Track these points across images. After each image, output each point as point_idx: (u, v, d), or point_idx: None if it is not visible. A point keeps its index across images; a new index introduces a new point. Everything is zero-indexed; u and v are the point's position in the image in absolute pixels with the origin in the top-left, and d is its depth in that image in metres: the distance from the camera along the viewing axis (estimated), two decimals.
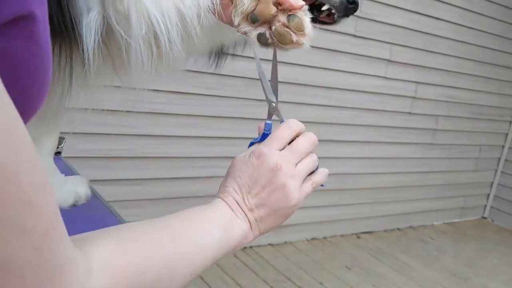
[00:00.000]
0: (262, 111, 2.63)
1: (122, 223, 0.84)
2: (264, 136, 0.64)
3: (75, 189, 0.84)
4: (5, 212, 0.28)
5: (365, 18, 2.74)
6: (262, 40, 0.64)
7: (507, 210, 3.95)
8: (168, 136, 2.25)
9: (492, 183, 4.05)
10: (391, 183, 3.29)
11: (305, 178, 0.63)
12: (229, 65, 1.99)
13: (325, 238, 3.04)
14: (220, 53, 0.78)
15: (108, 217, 0.86)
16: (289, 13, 0.62)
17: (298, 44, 0.64)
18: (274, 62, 0.67)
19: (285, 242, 2.86)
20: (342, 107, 2.84)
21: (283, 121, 0.67)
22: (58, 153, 1.07)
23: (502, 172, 4.01)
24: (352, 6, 0.85)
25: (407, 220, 3.52)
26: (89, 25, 0.56)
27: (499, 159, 4.00)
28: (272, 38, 0.63)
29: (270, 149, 0.61)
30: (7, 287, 0.30)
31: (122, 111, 2.07)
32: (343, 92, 2.81)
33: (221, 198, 0.60)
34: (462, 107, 3.51)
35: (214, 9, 0.63)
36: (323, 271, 2.61)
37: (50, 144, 0.80)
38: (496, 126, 3.86)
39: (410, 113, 3.21)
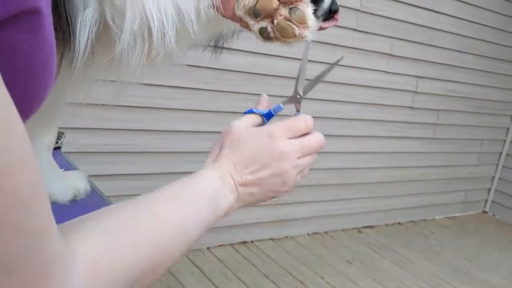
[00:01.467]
0: None
1: None
2: (269, 115, 0.65)
3: (74, 184, 0.84)
4: None
5: (366, 12, 2.73)
6: (264, 34, 0.63)
7: (508, 205, 3.94)
8: (168, 131, 2.25)
9: (493, 177, 4.04)
10: (392, 178, 3.29)
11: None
12: (228, 59, 2.00)
13: (326, 232, 3.05)
14: (216, 46, 0.78)
15: None
16: (291, 6, 0.62)
17: (301, 37, 0.64)
18: (305, 59, 0.67)
19: (286, 237, 2.86)
20: (343, 101, 2.83)
21: (298, 113, 0.67)
22: (57, 148, 1.07)
23: (503, 166, 4.00)
24: (332, 15, 0.85)
25: (408, 215, 3.52)
26: (84, 22, 0.56)
27: (501, 153, 4.00)
28: (274, 32, 0.63)
29: (283, 134, 0.61)
30: None
31: (122, 106, 2.07)
32: (344, 87, 2.80)
33: (214, 169, 0.59)
34: (463, 101, 3.50)
35: (214, 3, 0.62)
36: (324, 265, 2.62)
37: (49, 139, 0.80)
38: (497, 120, 3.85)
39: (411, 107, 3.20)
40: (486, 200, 4.09)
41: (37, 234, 0.31)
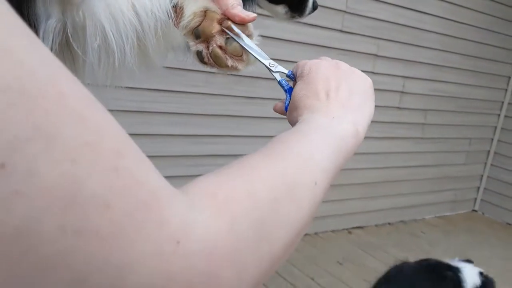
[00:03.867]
0: (250, 109, 2.63)
1: None
2: (290, 90, 0.62)
3: None
4: (54, 126, 0.24)
5: (351, 13, 2.75)
6: (199, 58, 0.62)
7: (497, 203, 3.97)
8: (155, 135, 2.24)
9: (482, 176, 4.07)
10: (381, 178, 3.30)
11: None
12: None
13: (316, 233, 3.05)
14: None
15: None
16: (228, 36, 0.60)
17: (233, 69, 0.62)
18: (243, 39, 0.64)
19: None
20: None
21: (290, 72, 0.65)
22: None
23: (491, 165, 4.03)
24: (313, 11, 0.85)
25: (398, 215, 3.53)
26: (47, 32, 0.56)
27: (489, 151, 4.03)
28: (208, 58, 0.61)
29: (318, 60, 0.62)
30: (92, 221, 0.25)
31: (109, 110, 2.05)
32: None
33: (307, 117, 0.54)
34: (450, 101, 3.52)
35: (169, 18, 0.62)
36: (315, 266, 2.62)
37: None
38: (485, 119, 3.88)
39: (398, 107, 3.22)
40: (476, 199, 4.12)
41: (122, 155, 0.28)
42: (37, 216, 0.23)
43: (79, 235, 0.24)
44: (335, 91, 0.57)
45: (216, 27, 0.59)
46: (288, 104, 0.61)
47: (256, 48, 0.64)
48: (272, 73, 0.65)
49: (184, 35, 0.61)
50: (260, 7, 1.06)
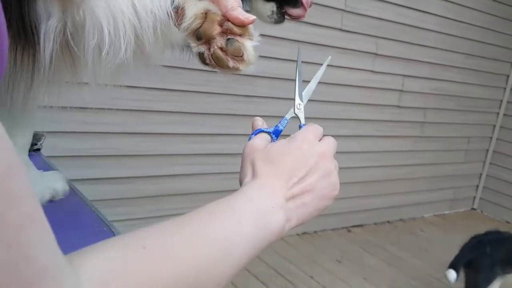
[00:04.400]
0: (248, 107, 2.64)
1: (101, 218, 0.83)
2: (277, 131, 0.63)
3: (51, 184, 0.83)
4: None
5: (351, 12, 2.75)
6: (201, 59, 0.62)
7: (496, 201, 3.98)
8: (154, 134, 2.24)
9: (481, 174, 4.08)
10: (380, 177, 3.30)
11: None
12: None
13: (315, 232, 3.05)
14: (188, 48, 0.78)
15: (87, 213, 0.85)
16: (229, 37, 0.60)
17: (235, 70, 0.62)
18: (299, 67, 0.65)
19: None
20: (329, 101, 2.84)
21: (304, 125, 0.66)
22: (37, 150, 1.06)
23: (490, 163, 4.04)
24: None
25: (397, 213, 3.54)
26: (48, 32, 0.56)
27: (487, 150, 4.03)
28: (210, 59, 0.61)
29: (314, 138, 0.60)
30: None
31: (107, 109, 2.06)
32: (330, 87, 2.81)
33: (257, 187, 0.53)
34: (449, 99, 3.53)
35: (169, 18, 0.62)
36: (314, 265, 2.62)
37: (23, 140, 0.80)
38: (483, 118, 3.88)
39: (398, 106, 3.22)
40: (474, 197, 4.12)
41: (23, 230, 0.27)
42: None
43: None
44: (298, 180, 0.55)
45: (217, 29, 0.60)
46: (262, 130, 0.63)
47: (299, 82, 0.67)
48: (293, 111, 0.68)
49: (186, 36, 0.62)
50: (250, 9, 1.05)
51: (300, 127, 0.65)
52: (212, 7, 0.61)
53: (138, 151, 2.21)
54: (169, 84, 2.20)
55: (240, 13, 0.60)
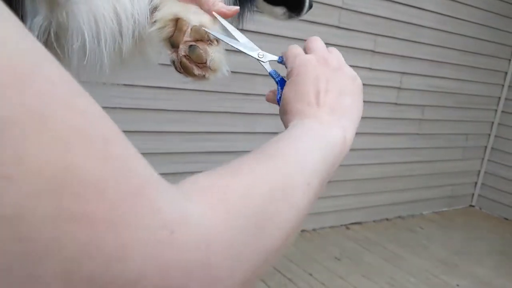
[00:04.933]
0: (246, 105, 2.64)
1: None
2: (282, 81, 0.61)
3: None
4: (46, 108, 0.24)
5: (348, 9, 2.74)
6: (174, 67, 0.62)
7: (495, 198, 3.98)
8: (152, 132, 2.24)
9: (479, 171, 4.08)
10: (378, 174, 3.31)
11: None
12: None
13: (314, 230, 3.05)
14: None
15: None
16: (191, 44, 0.59)
17: (201, 77, 0.61)
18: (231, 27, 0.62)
19: None
20: None
21: (280, 57, 0.63)
22: None
23: (488, 160, 4.04)
24: (309, 9, 0.86)
25: (396, 210, 3.54)
26: (33, 29, 0.56)
27: (486, 147, 4.04)
28: (179, 67, 0.61)
29: (306, 55, 0.60)
30: (85, 207, 0.24)
31: (104, 107, 2.04)
32: None
33: (298, 120, 0.55)
34: (447, 96, 3.53)
35: (146, 23, 0.62)
36: (313, 262, 2.62)
37: None
38: (482, 115, 3.89)
39: (396, 103, 3.22)
40: (473, 194, 4.13)
41: (110, 141, 0.28)
42: (28, 203, 0.22)
43: (73, 221, 0.24)
44: (324, 94, 0.56)
45: (184, 37, 0.59)
46: (280, 97, 0.60)
47: (244, 39, 0.63)
48: (262, 63, 0.63)
49: (161, 43, 0.61)
50: (258, 10, 1.06)
51: (278, 61, 0.63)
52: (185, 11, 0.60)
53: (138, 150, 2.20)
54: (166, 82, 2.20)
55: (222, 7, 0.61)
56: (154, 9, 0.61)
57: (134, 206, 0.27)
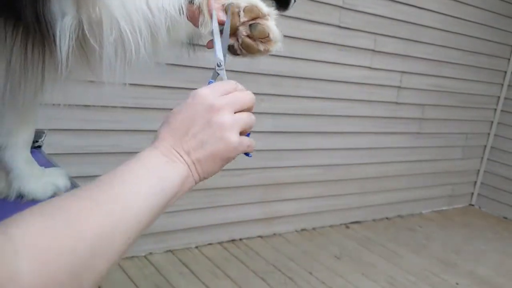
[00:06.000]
0: None
1: None
2: (210, 82, 0.63)
3: (53, 180, 0.84)
4: None
5: (349, 9, 2.75)
6: (231, 51, 0.66)
7: (494, 197, 4.00)
8: (155, 131, 2.23)
9: (479, 170, 4.09)
10: (379, 173, 3.32)
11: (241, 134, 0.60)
12: (212, 58, 1.99)
13: (314, 229, 3.06)
14: (191, 44, 0.80)
15: None
16: (251, 22, 0.63)
17: (266, 52, 0.65)
18: (227, 27, 0.64)
19: (274, 234, 2.87)
20: (328, 98, 2.85)
21: (212, 81, 0.65)
22: (38, 147, 1.07)
23: (488, 159, 4.05)
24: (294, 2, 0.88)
25: (396, 209, 3.55)
26: (64, 30, 0.57)
27: (485, 146, 4.05)
28: (240, 49, 0.64)
29: (208, 91, 0.59)
30: None
31: (107, 106, 2.06)
32: (329, 83, 2.82)
33: (153, 147, 0.57)
34: (447, 96, 3.54)
35: (181, 16, 0.64)
36: (313, 261, 2.63)
37: (26, 137, 0.81)
38: (481, 114, 3.90)
39: (396, 102, 3.23)
40: (472, 193, 4.14)
41: None
42: None
43: None
44: (190, 137, 0.57)
45: (240, 20, 0.62)
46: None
47: (220, 44, 0.64)
48: (214, 71, 0.66)
49: (208, 34, 0.64)
50: None
51: (208, 83, 0.64)
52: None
53: (139, 149, 2.18)
54: (169, 81, 2.21)
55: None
56: (191, 3, 0.64)
57: None
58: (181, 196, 0.57)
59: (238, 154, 0.60)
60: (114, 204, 0.48)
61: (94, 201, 0.48)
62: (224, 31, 0.64)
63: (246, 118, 0.61)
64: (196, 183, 0.58)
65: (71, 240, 0.43)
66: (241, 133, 0.60)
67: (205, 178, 0.59)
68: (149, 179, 0.53)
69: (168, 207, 0.55)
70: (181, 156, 0.56)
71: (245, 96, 0.61)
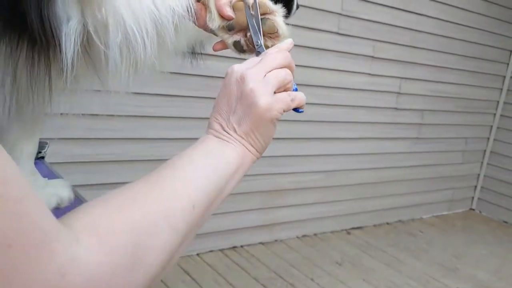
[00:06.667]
0: None
1: None
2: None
3: (57, 192, 0.85)
4: None
5: (348, 16, 2.77)
6: (238, 48, 0.65)
7: (494, 201, 4.00)
8: (157, 139, 2.26)
9: (479, 175, 4.10)
10: (379, 179, 3.32)
11: (280, 90, 0.61)
12: (216, 66, 2.02)
13: (315, 235, 3.07)
14: (194, 52, 0.80)
15: None
16: (261, 17, 0.63)
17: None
18: (256, 12, 0.64)
19: (276, 240, 2.88)
20: (327, 104, 2.86)
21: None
22: (41, 158, 1.08)
23: (488, 164, 4.06)
24: (296, 10, 0.88)
25: (396, 215, 3.56)
26: (69, 34, 0.57)
27: (485, 151, 4.06)
28: (247, 45, 0.64)
29: (239, 65, 0.59)
30: None
31: (110, 115, 2.07)
32: (328, 90, 2.84)
33: (205, 135, 0.60)
34: (446, 101, 3.55)
35: (189, 14, 0.64)
36: (314, 267, 2.64)
37: (30, 149, 0.82)
38: (481, 119, 3.91)
39: (396, 108, 3.24)
40: (473, 198, 4.15)
41: (24, 202, 0.33)
42: None
43: None
44: (232, 113, 0.59)
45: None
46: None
47: (255, 26, 0.65)
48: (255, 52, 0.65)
49: (215, 30, 0.64)
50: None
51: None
52: None
53: (142, 157, 2.23)
54: (171, 89, 2.22)
55: None
56: (198, 0, 0.64)
57: (34, 256, 0.32)
58: (245, 172, 0.58)
59: (282, 112, 0.60)
60: (175, 181, 0.51)
61: (156, 179, 0.50)
62: (255, 17, 0.64)
63: (277, 75, 0.59)
64: (257, 156, 0.60)
65: (131, 217, 0.43)
66: (285, 90, 0.62)
67: (264, 147, 0.60)
68: (206, 162, 0.55)
69: (233, 187, 0.57)
70: (230, 135, 0.58)
71: (275, 56, 0.60)
